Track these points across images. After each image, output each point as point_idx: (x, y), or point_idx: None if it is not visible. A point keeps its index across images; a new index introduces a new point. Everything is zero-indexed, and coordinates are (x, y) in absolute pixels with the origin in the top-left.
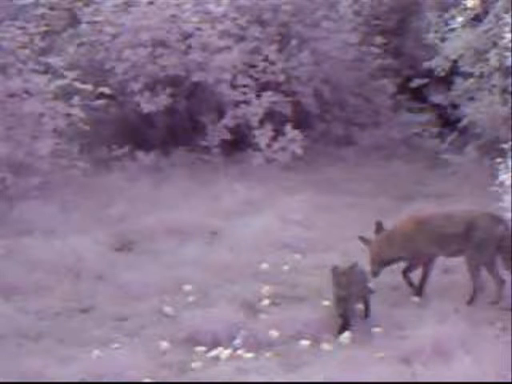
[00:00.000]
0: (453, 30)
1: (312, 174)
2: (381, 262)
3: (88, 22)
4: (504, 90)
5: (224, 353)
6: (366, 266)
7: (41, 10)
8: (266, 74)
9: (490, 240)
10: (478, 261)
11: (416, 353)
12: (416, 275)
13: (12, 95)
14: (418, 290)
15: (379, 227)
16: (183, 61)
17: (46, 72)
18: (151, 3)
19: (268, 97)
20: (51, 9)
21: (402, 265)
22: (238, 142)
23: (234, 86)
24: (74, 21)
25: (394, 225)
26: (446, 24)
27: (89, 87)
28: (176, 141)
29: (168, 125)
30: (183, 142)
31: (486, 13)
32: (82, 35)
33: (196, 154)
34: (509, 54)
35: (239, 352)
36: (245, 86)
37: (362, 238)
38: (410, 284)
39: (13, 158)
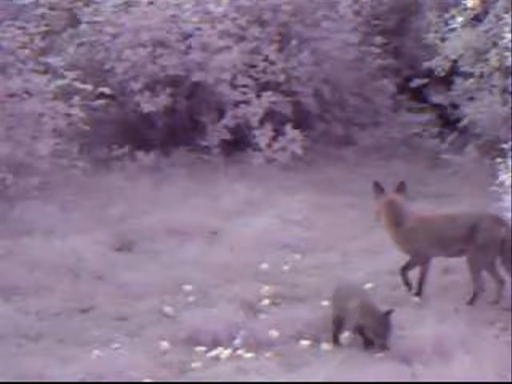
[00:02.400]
0: (453, 29)
1: (312, 174)
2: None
3: (88, 22)
4: (504, 90)
5: (224, 353)
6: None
7: (41, 10)
8: (266, 74)
9: (493, 242)
10: (480, 262)
11: (416, 353)
12: (414, 275)
13: (12, 95)
14: (418, 290)
15: (401, 187)
16: (183, 61)
17: (46, 72)
18: (151, 3)
19: (268, 97)
20: (51, 9)
21: (402, 263)
22: (238, 142)
23: (234, 86)
24: (74, 21)
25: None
26: (446, 24)
27: (89, 87)
28: (176, 141)
29: (168, 125)
30: (183, 142)
31: (486, 13)
32: (82, 35)
33: (196, 153)
34: (509, 53)
35: (239, 352)
36: (245, 86)
37: (376, 184)
38: (407, 283)
39: (13, 158)
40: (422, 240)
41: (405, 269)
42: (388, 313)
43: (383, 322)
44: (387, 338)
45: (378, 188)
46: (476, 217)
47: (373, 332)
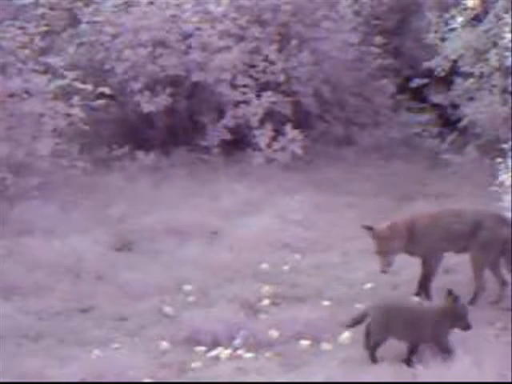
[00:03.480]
0: (453, 29)
1: (312, 174)
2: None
3: (88, 22)
4: (504, 90)
5: (224, 353)
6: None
7: (41, 10)
8: (266, 74)
9: (496, 241)
10: (482, 261)
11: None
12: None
13: (12, 95)
14: (418, 290)
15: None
16: (183, 61)
17: (45, 72)
18: (151, 3)
19: (268, 97)
20: (51, 9)
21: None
22: (238, 142)
23: (234, 86)
24: (74, 21)
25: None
26: (446, 24)
27: (89, 87)
28: (176, 141)
29: (168, 125)
30: (183, 142)
31: (486, 13)
32: (82, 35)
33: (196, 153)
34: (509, 53)
35: (239, 352)
36: (245, 86)
37: (366, 227)
38: (427, 294)
39: (13, 157)
40: (433, 237)
41: (424, 280)
42: (454, 297)
43: (458, 308)
44: (467, 317)
45: (368, 228)
46: (481, 215)
47: (457, 322)
